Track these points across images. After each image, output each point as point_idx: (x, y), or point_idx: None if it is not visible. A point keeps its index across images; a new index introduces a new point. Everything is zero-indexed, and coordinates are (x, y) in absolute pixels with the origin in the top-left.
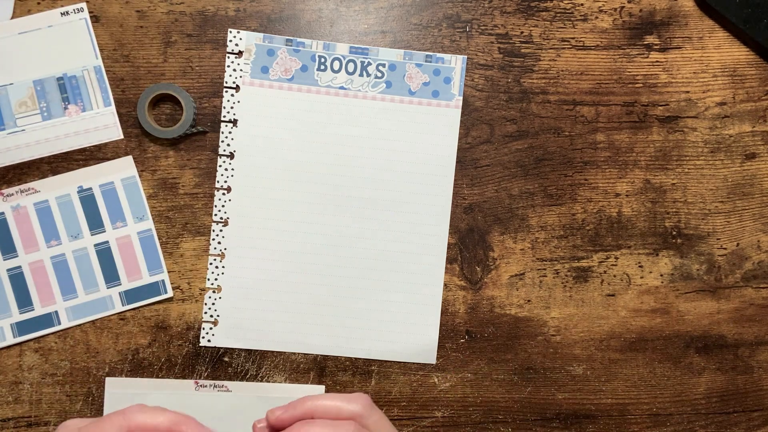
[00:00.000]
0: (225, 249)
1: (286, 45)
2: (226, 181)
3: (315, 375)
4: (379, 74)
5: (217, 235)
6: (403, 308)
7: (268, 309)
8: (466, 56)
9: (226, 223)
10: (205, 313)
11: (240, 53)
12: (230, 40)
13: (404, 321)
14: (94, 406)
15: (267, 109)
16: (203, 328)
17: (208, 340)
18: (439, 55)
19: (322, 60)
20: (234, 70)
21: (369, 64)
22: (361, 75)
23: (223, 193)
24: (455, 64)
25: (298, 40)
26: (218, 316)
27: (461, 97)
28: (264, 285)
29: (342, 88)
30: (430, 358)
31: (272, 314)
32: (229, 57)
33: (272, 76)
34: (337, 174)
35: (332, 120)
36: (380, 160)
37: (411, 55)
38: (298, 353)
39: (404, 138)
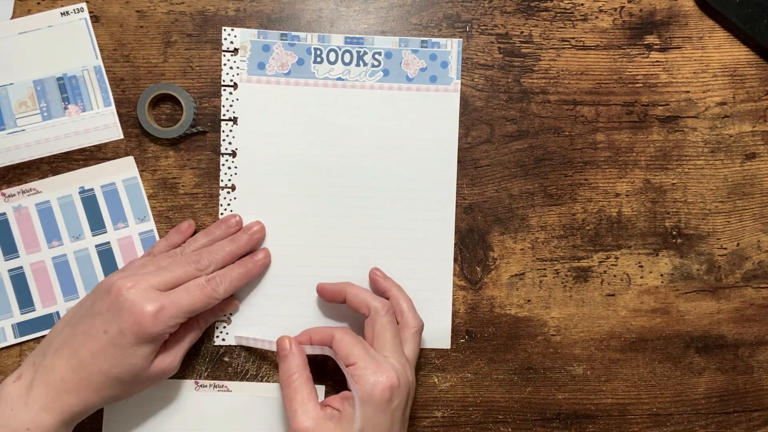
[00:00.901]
0: None
1: (281, 39)
2: (230, 180)
3: (315, 375)
4: (376, 63)
5: None
6: (412, 296)
7: (273, 306)
8: (461, 39)
9: None
10: None
11: (236, 51)
12: (225, 38)
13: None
14: None
15: (266, 105)
16: (217, 327)
17: (223, 339)
18: (434, 39)
19: (318, 52)
20: (231, 68)
21: (365, 53)
22: (357, 65)
23: (228, 192)
24: (451, 47)
25: (293, 34)
26: (230, 314)
27: (459, 81)
28: (269, 281)
29: (339, 79)
30: (445, 343)
31: (277, 310)
32: (225, 55)
33: (269, 71)
34: (341, 165)
35: (332, 111)
36: (382, 148)
37: (406, 41)
38: None
39: (405, 125)
